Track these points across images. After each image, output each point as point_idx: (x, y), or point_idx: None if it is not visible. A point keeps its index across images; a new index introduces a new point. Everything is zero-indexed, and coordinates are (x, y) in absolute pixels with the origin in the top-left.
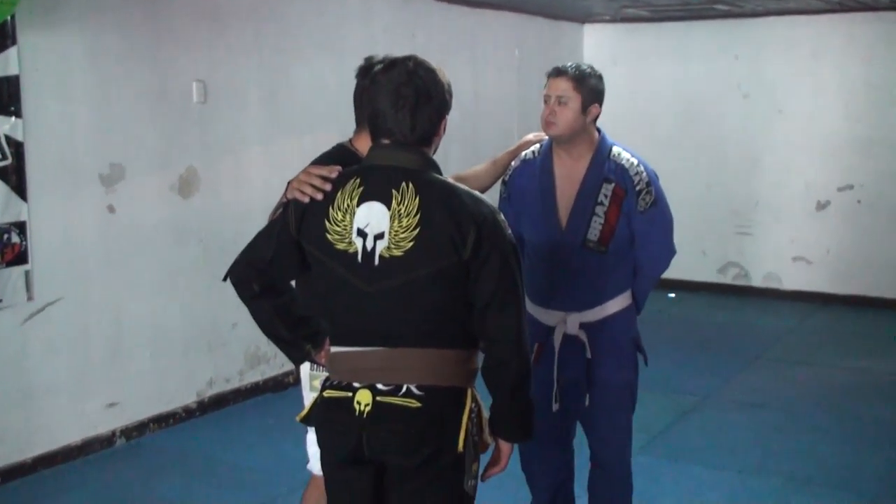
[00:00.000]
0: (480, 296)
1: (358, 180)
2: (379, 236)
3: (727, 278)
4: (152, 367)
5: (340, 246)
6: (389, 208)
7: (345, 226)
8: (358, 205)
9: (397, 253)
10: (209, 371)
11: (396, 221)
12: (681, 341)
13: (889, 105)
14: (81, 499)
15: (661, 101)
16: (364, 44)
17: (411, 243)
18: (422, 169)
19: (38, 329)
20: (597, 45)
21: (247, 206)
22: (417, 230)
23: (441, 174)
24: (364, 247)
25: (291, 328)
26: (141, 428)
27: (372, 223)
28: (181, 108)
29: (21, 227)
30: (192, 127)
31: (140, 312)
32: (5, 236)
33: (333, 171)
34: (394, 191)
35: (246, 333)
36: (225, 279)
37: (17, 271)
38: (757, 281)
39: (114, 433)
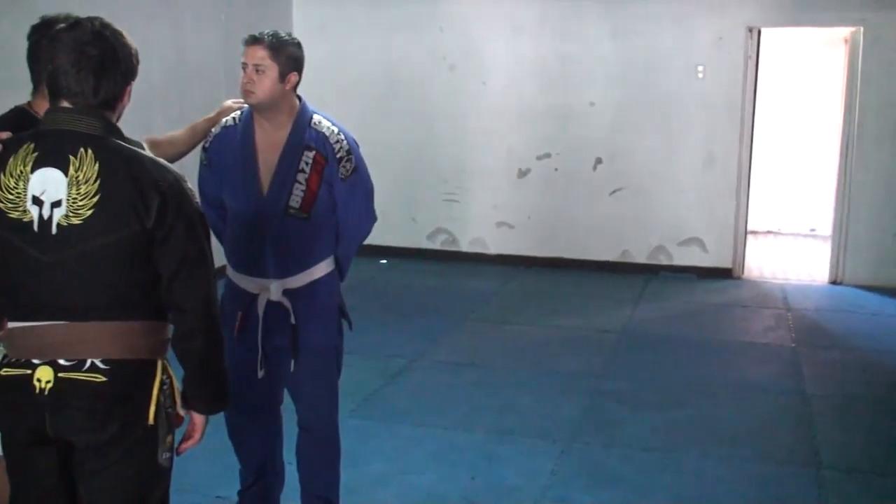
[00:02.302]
0: (167, 265)
1: (32, 145)
2: (56, 204)
3: (436, 244)
4: None
5: (14, 214)
6: (67, 174)
7: (18, 193)
8: (32, 171)
9: (76, 221)
10: None
11: (74, 188)
12: (392, 306)
13: (579, 78)
14: None
15: (370, 70)
16: (51, 2)
17: (91, 211)
18: (103, 135)
19: None
20: (306, 14)
21: None
22: (97, 197)
23: (125, 140)
24: (41, 215)
25: None
26: None
27: (48, 190)
28: None
29: None
30: None
31: None
32: None
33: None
34: (71, 157)
35: None
36: None
37: None
38: (465, 246)
39: None
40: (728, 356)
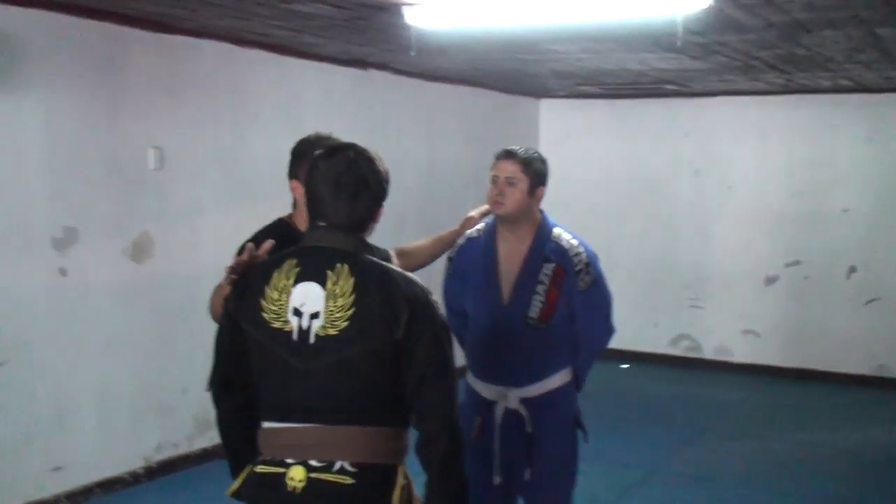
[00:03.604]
0: (413, 374)
1: (294, 261)
2: (314, 315)
3: (679, 350)
4: (99, 430)
5: (276, 324)
6: (325, 288)
7: (280, 305)
8: (294, 284)
9: (332, 332)
10: (157, 436)
11: (332, 301)
12: (631, 413)
13: (831, 183)
14: None
15: (613, 174)
16: (322, 114)
17: (346, 322)
18: (356, 251)
19: None
20: (552, 120)
21: (200, 271)
22: (352, 310)
23: (374, 255)
24: (300, 325)
25: (253, 448)
26: (86, 492)
27: (308, 303)
28: (136, 174)
29: None
30: (148, 193)
31: (88, 376)
32: None
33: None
34: (329, 271)
35: (196, 398)
36: (208, 389)
37: None
38: (708, 353)
39: (58, 498)
40: None
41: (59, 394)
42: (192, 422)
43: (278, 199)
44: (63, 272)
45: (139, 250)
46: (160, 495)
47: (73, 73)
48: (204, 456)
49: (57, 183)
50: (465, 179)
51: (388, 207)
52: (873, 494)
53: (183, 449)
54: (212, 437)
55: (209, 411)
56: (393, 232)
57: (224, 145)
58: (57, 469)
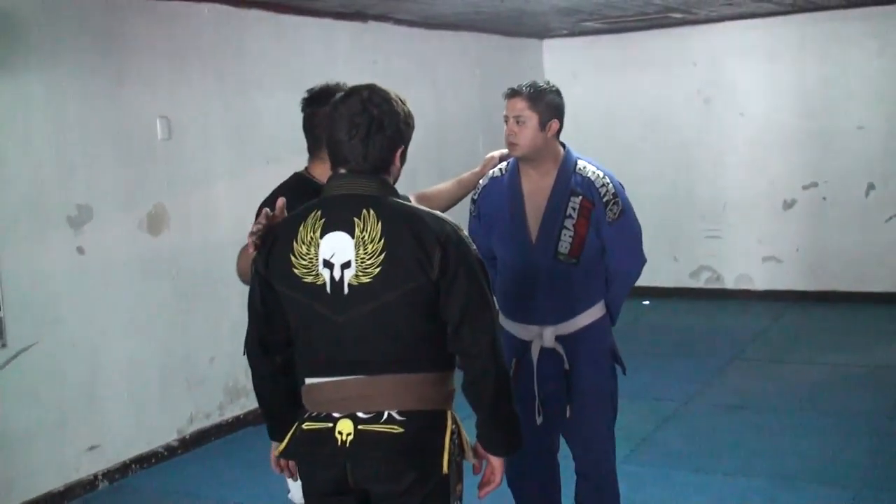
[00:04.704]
0: (452, 313)
1: (319, 212)
2: (346, 265)
3: (700, 282)
4: (131, 407)
5: (308, 279)
6: (353, 236)
7: (310, 258)
8: (321, 236)
9: (366, 280)
10: (189, 407)
11: (362, 248)
12: (658, 348)
13: (845, 101)
14: None
15: (623, 110)
16: (325, 71)
17: (378, 269)
18: (380, 195)
19: (13, 375)
20: (557, 60)
21: (217, 239)
22: (383, 255)
23: (400, 198)
24: (332, 277)
25: (292, 409)
26: (123, 469)
27: (337, 253)
28: (146, 146)
29: None
30: (158, 164)
31: (116, 353)
32: None
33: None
34: (355, 219)
35: (224, 368)
36: (244, 353)
37: None
38: (730, 283)
39: (96, 476)
40: None
41: (88, 373)
42: (223, 391)
43: (288, 159)
44: (81, 251)
45: (154, 223)
46: (196, 466)
47: (74, 49)
48: (236, 424)
49: (67, 161)
50: (474, 126)
51: None
52: None
53: (215, 419)
54: (243, 405)
55: (238, 380)
56: (405, 181)
57: (231, 109)
58: (92, 448)
